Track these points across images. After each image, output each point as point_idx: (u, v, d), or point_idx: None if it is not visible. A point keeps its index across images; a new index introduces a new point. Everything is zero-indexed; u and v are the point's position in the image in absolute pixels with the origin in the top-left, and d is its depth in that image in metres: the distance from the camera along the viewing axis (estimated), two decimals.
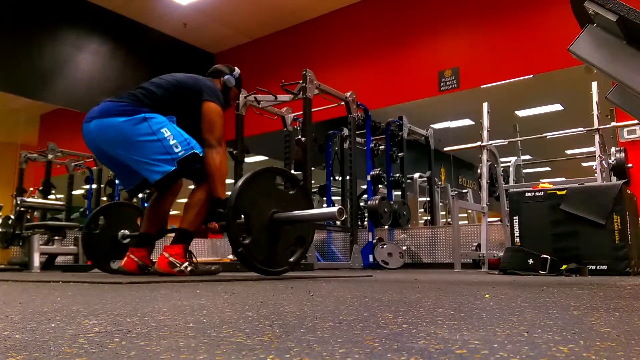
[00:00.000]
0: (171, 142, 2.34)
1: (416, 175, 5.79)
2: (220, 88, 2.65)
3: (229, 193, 2.33)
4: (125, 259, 2.55)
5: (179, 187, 2.74)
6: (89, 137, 2.46)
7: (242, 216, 2.30)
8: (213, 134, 2.46)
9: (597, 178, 3.63)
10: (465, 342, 0.52)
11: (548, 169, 5.47)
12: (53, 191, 5.73)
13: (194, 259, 2.43)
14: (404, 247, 4.96)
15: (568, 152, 5.21)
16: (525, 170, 5.05)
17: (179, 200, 2.83)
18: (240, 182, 2.32)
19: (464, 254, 4.14)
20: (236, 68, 2.85)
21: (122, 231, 3.02)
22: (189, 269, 2.33)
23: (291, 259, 2.47)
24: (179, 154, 2.34)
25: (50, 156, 5.71)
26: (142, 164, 2.34)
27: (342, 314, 0.79)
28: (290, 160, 5.06)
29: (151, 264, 2.56)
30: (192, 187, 2.54)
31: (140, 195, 6.28)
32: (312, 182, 4.60)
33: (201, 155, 2.41)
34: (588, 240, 2.85)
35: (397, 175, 5.28)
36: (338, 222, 5.13)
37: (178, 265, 2.31)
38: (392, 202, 5.04)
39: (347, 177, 4.86)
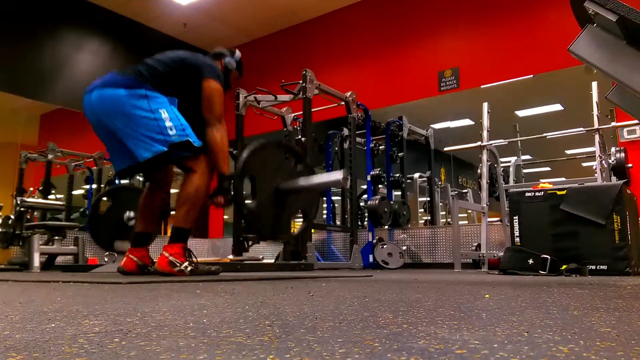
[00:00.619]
0: (167, 124, 2.32)
1: (416, 175, 5.79)
2: (221, 69, 2.63)
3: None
4: (125, 259, 2.55)
5: (169, 181, 2.73)
6: (90, 107, 2.42)
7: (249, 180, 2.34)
8: (213, 111, 2.46)
9: (597, 178, 3.63)
10: (465, 342, 0.52)
11: (548, 169, 5.47)
12: (53, 191, 5.73)
13: (194, 259, 2.42)
14: (404, 247, 4.96)
15: (568, 152, 5.21)
16: (525, 170, 5.05)
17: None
18: (249, 148, 2.36)
19: (464, 254, 4.14)
20: (237, 50, 2.85)
21: (127, 213, 3.03)
22: (189, 268, 2.33)
23: (294, 232, 2.50)
24: (173, 137, 2.31)
25: (50, 156, 5.71)
26: (134, 140, 2.31)
27: (342, 314, 0.79)
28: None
29: (151, 262, 2.56)
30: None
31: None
32: None
33: (195, 144, 2.37)
34: (588, 240, 2.85)
35: (397, 175, 5.28)
36: (337, 222, 5.13)
37: (178, 264, 2.31)
38: (392, 202, 5.04)
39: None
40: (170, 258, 2.31)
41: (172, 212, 2.79)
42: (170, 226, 2.49)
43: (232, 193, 2.37)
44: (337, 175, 2.29)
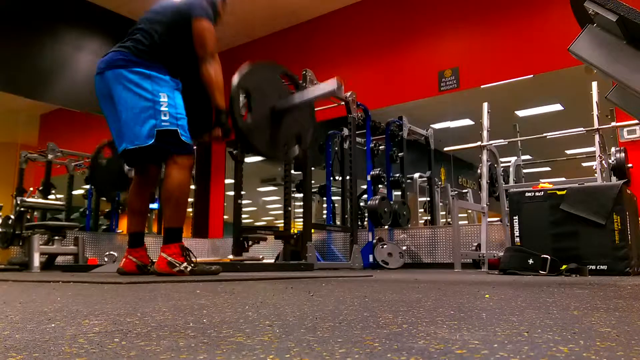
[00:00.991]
0: (162, 109, 2.33)
1: (416, 175, 5.79)
2: (208, 5, 2.64)
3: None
4: (124, 260, 2.55)
5: (155, 178, 2.72)
6: (101, 86, 2.46)
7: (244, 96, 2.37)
8: (205, 47, 2.48)
9: (597, 178, 3.63)
10: (465, 342, 0.52)
11: (548, 169, 5.47)
12: (53, 191, 5.73)
13: (193, 258, 2.42)
14: (404, 247, 4.96)
15: (568, 152, 5.21)
16: (525, 170, 5.05)
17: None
18: (248, 65, 2.39)
19: (464, 254, 4.14)
20: None
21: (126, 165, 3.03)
22: (189, 268, 2.32)
23: (288, 154, 2.52)
24: (162, 123, 2.32)
25: (50, 156, 5.71)
26: (127, 122, 2.33)
27: (342, 314, 0.79)
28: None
29: (150, 262, 2.56)
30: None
31: None
32: (312, 182, 4.60)
33: (182, 138, 2.37)
34: (588, 240, 2.85)
35: (397, 175, 5.28)
36: (337, 222, 5.13)
37: (177, 265, 2.31)
38: (392, 202, 5.04)
39: (347, 177, 4.87)
40: (169, 259, 2.31)
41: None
42: (163, 228, 2.49)
43: (230, 126, 2.39)
44: (331, 84, 2.31)
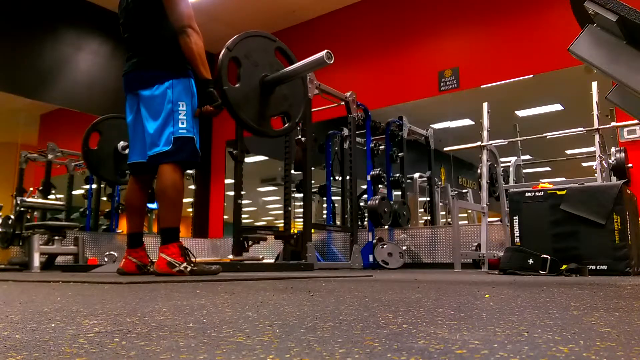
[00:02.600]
0: (180, 117, 2.37)
1: (416, 175, 5.79)
2: None
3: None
4: (124, 260, 2.55)
5: (151, 180, 2.73)
6: (133, 104, 2.51)
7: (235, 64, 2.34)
8: (179, 16, 2.42)
9: (597, 178, 3.63)
10: (465, 342, 0.52)
11: (548, 169, 5.47)
12: (53, 191, 5.73)
13: (192, 258, 2.42)
14: (404, 247, 4.96)
15: (568, 152, 5.21)
16: (525, 170, 5.05)
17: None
18: (241, 33, 2.37)
19: (464, 254, 4.14)
20: None
21: (120, 143, 3.02)
22: (188, 268, 2.32)
23: (275, 130, 2.49)
24: (180, 130, 2.36)
25: (50, 156, 5.71)
26: (152, 134, 2.37)
27: (342, 314, 0.79)
28: (290, 160, 5.06)
29: (150, 262, 2.55)
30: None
31: None
32: (312, 182, 4.60)
33: (196, 147, 2.41)
34: (588, 240, 2.85)
35: (397, 175, 5.28)
36: (337, 222, 5.13)
37: (177, 265, 2.31)
38: (392, 202, 5.03)
39: (347, 177, 4.87)
40: (169, 259, 2.31)
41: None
42: (159, 228, 2.50)
43: (220, 100, 2.35)
44: (319, 55, 2.29)
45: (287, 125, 2.54)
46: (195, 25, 2.45)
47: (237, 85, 2.32)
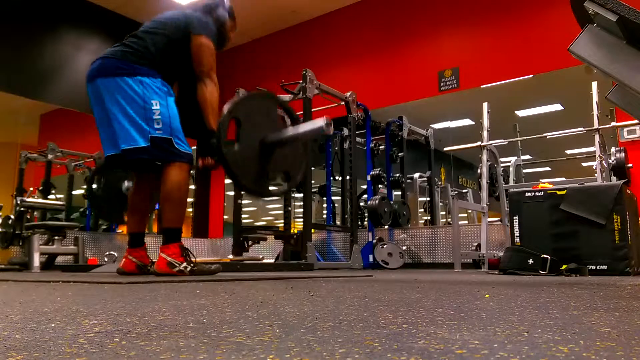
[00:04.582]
0: (155, 117, 2.29)
1: (416, 175, 5.79)
2: (214, 25, 2.59)
3: None
4: (124, 260, 2.54)
5: (154, 180, 2.66)
6: (94, 94, 2.43)
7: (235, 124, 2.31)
8: (202, 66, 2.44)
9: (597, 178, 3.63)
10: (465, 342, 0.52)
11: (548, 169, 5.47)
12: (53, 191, 5.73)
13: (192, 258, 2.42)
14: (404, 247, 4.96)
15: (568, 152, 5.21)
16: (525, 170, 5.05)
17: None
18: (243, 94, 2.34)
19: (464, 254, 4.14)
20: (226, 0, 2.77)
21: (125, 183, 3.00)
22: (188, 268, 2.32)
23: (274, 190, 2.46)
24: (156, 132, 2.29)
25: (50, 156, 5.71)
26: (121, 125, 2.29)
27: (342, 314, 0.79)
28: None
29: (150, 262, 2.55)
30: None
31: None
32: (312, 182, 4.60)
33: (177, 146, 2.35)
34: (588, 240, 2.85)
35: (397, 175, 5.28)
36: (337, 222, 5.14)
37: (177, 265, 2.31)
38: (392, 202, 5.03)
39: (347, 177, 4.86)
40: (169, 259, 2.31)
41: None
42: (162, 228, 2.46)
43: (221, 153, 2.32)
44: (319, 122, 2.27)
45: (286, 184, 2.50)
46: (215, 77, 2.46)
47: (236, 146, 2.29)
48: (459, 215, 4.21)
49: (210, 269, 2.44)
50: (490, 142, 4.11)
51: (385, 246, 4.75)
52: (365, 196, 5.40)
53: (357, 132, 4.87)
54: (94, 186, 3.16)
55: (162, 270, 2.30)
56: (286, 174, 2.50)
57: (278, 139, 2.36)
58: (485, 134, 4.09)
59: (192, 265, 2.35)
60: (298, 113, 5.02)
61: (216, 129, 2.36)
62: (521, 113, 5.57)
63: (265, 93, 2.49)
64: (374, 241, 4.78)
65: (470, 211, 5.57)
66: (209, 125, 2.38)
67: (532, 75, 5.12)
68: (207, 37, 2.48)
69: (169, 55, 2.46)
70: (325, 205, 5.78)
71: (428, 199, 5.59)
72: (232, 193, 4.65)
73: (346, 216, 4.87)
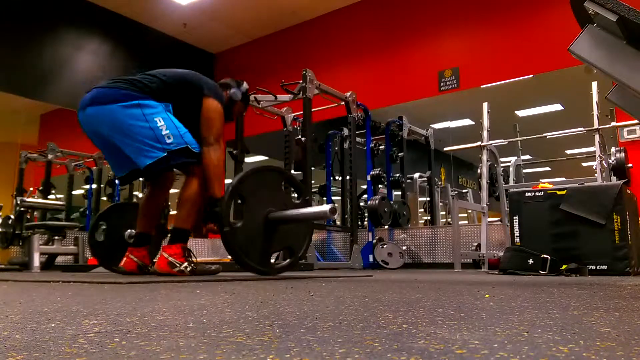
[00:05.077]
0: (164, 132, 2.28)
1: (416, 175, 5.79)
2: (225, 100, 2.60)
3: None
4: (125, 259, 2.55)
5: (171, 182, 2.71)
6: (87, 123, 2.42)
7: (239, 201, 2.29)
8: (211, 131, 2.43)
9: (597, 178, 3.63)
10: (465, 342, 0.52)
11: (548, 169, 5.47)
12: (53, 191, 5.73)
13: (193, 259, 2.42)
14: (404, 247, 4.96)
15: (568, 152, 5.21)
16: (525, 170, 5.05)
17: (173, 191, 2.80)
18: (248, 169, 2.34)
19: (464, 254, 4.14)
20: (244, 82, 2.79)
21: (128, 231, 2.99)
22: (188, 268, 2.32)
23: (276, 266, 2.45)
24: (170, 145, 2.28)
25: (50, 156, 5.71)
26: (134, 149, 2.29)
27: (342, 313, 0.79)
28: (290, 160, 5.06)
29: (151, 263, 2.55)
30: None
31: (140, 194, 6.28)
32: (312, 182, 4.60)
33: (194, 150, 2.35)
34: (588, 240, 2.85)
35: (397, 175, 5.28)
36: (337, 222, 5.15)
37: (178, 265, 2.31)
38: (392, 202, 5.03)
39: (347, 177, 4.86)
40: (170, 259, 2.31)
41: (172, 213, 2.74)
42: (170, 227, 2.47)
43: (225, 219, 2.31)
44: (324, 208, 2.28)
45: (289, 260, 2.49)
46: (222, 143, 2.46)
47: (239, 224, 2.26)
48: (459, 215, 4.21)
49: (211, 269, 2.45)
50: (490, 142, 4.11)
51: (385, 246, 4.75)
52: (365, 196, 5.40)
53: (357, 132, 4.87)
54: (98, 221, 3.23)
55: (163, 269, 2.30)
56: (289, 249, 2.49)
57: (283, 217, 2.36)
58: (485, 134, 4.09)
59: (192, 265, 2.35)
60: (298, 113, 5.05)
61: (220, 195, 2.35)
62: (521, 113, 5.57)
63: (272, 168, 2.49)
64: (374, 241, 4.78)
65: (470, 211, 5.57)
66: (213, 193, 2.38)
67: (532, 75, 5.12)
68: (218, 102, 2.46)
69: (171, 96, 2.41)
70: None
71: (428, 199, 5.59)
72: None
73: (346, 216, 4.87)
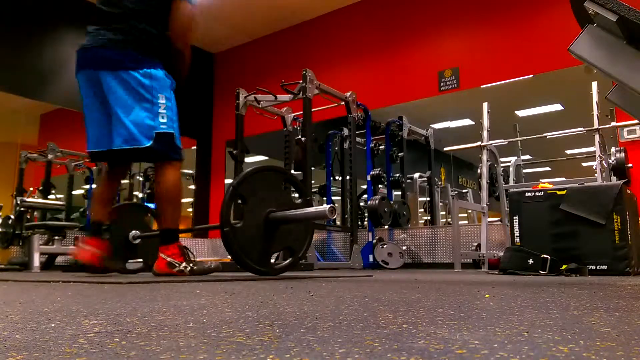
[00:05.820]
0: (160, 111, 2.28)
1: (416, 175, 5.79)
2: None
3: None
4: (80, 249, 2.43)
5: (125, 172, 2.72)
6: (91, 84, 2.38)
7: (239, 201, 2.29)
8: (185, 41, 2.43)
9: (597, 178, 3.63)
10: (465, 342, 0.52)
11: (548, 169, 5.47)
12: (53, 191, 5.73)
13: (192, 257, 2.41)
14: (404, 247, 4.96)
15: (568, 152, 5.21)
16: (525, 170, 5.05)
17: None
18: (249, 169, 2.34)
19: (464, 254, 4.14)
20: None
21: (132, 232, 2.99)
22: (188, 268, 2.32)
23: (276, 266, 2.45)
24: (161, 126, 2.27)
25: (50, 156, 5.71)
26: (123, 121, 2.24)
27: (342, 313, 0.79)
28: (290, 160, 5.06)
29: (106, 254, 2.45)
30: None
31: (140, 194, 6.28)
32: (312, 182, 4.60)
33: (176, 141, 2.35)
34: (588, 240, 2.85)
35: (397, 175, 5.28)
36: (337, 222, 5.15)
37: (177, 265, 2.31)
38: (392, 202, 5.03)
39: (347, 177, 4.86)
40: (169, 259, 2.31)
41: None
42: (160, 230, 2.42)
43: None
44: (324, 208, 2.29)
45: (289, 260, 2.49)
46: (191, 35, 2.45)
47: (239, 224, 2.26)
48: (459, 215, 4.21)
49: (211, 268, 2.44)
50: (490, 142, 4.11)
51: (385, 246, 4.75)
52: (365, 196, 5.40)
53: (357, 132, 4.87)
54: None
55: (162, 270, 2.30)
56: (290, 249, 2.49)
57: (284, 217, 2.36)
58: (485, 134, 4.09)
59: (191, 264, 2.35)
60: (298, 113, 5.05)
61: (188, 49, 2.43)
62: (521, 113, 5.57)
63: (273, 168, 2.50)
64: (374, 241, 4.78)
65: (470, 211, 5.57)
66: (184, 40, 2.41)
67: (532, 75, 5.12)
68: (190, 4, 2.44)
69: (163, 28, 2.39)
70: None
71: (428, 199, 5.59)
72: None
73: (346, 216, 4.87)
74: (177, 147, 2.37)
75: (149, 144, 2.25)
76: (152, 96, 2.28)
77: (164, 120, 2.29)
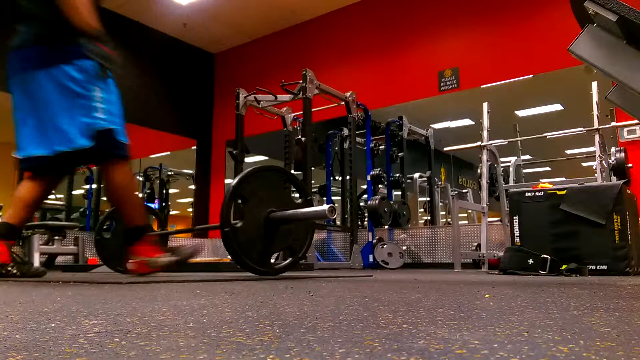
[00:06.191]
0: (95, 104, 2.05)
1: (416, 175, 5.79)
2: None
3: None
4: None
5: (56, 184, 2.42)
6: (23, 83, 2.12)
7: (239, 201, 2.29)
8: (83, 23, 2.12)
9: (597, 178, 3.63)
10: (465, 342, 0.52)
11: (548, 169, 5.47)
12: (53, 191, 5.73)
13: (167, 246, 2.34)
14: (404, 247, 4.96)
15: (568, 152, 5.21)
16: (525, 170, 5.05)
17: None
18: (249, 169, 2.34)
19: (464, 254, 4.14)
20: None
21: None
22: (170, 258, 2.21)
23: (276, 266, 2.45)
24: (100, 121, 2.04)
25: None
26: (54, 120, 2.03)
27: (342, 313, 0.79)
28: (290, 160, 5.06)
29: (12, 261, 2.17)
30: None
31: (140, 195, 6.29)
32: (312, 182, 4.60)
33: (116, 136, 2.10)
34: (588, 240, 2.85)
35: (397, 175, 5.28)
36: (337, 222, 5.15)
37: (157, 260, 2.20)
38: (392, 202, 5.04)
39: (347, 177, 4.87)
40: (146, 259, 2.19)
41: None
42: (125, 229, 2.27)
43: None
44: (322, 208, 2.28)
45: (289, 260, 2.48)
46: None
47: (239, 224, 2.25)
48: (459, 215, 4.21)
49: (192, 250, 2.33)
50: (490, 142, 4.11)
51: (385, 246, 4.75)
52: (365, 196, 5.40)
53: (357, 132, 4.87)
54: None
55: (145, 272, 2.19)
56: (290, 249, 2.48)
57: (284, 217, 2.36)
58: (485, 134, 4.09)
59: (170, 253, 2.23)
60: (298, 113, 5.05)
61: (90, 25, 2.16)
62: (521, 113, 5.57)
63: (274, 168, 2.49)
64: (374, 241, 4.78)
65: (470, 211, 5.57)
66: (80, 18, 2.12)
67: (532, 75, 5.12)
68: None
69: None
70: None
71: (428, 199, 5.59)
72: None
73: (346, 216, 4.87)
74: (121, 143, 2.13)
75: (88, 144, 2.03)
76: (85, 89, 2.06)
77: (102, 115, 2.06)
